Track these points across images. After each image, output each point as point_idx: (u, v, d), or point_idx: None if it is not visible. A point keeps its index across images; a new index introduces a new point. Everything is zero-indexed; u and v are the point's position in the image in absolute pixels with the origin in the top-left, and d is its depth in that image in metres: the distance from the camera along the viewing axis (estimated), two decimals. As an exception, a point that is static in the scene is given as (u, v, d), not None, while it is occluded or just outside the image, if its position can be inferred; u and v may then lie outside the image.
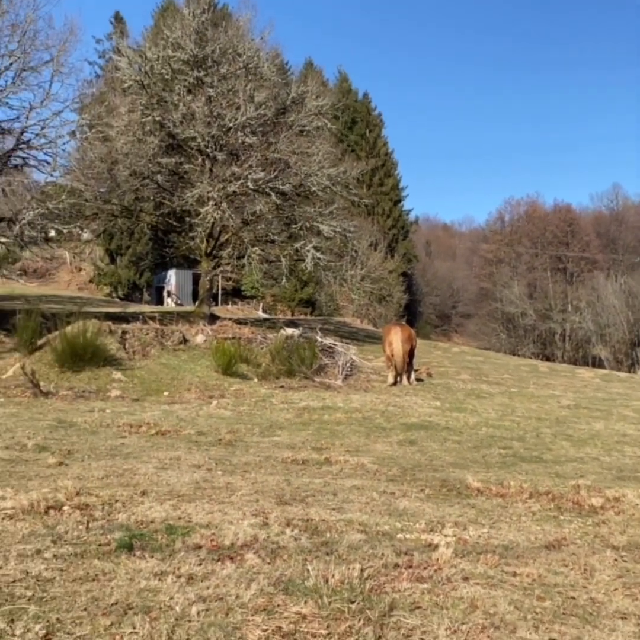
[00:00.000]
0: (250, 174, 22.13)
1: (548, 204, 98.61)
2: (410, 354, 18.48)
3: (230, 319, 25.84)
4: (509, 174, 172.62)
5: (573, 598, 4.33)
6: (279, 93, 24.85)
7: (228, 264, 26.20)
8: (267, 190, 22.76)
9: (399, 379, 18.22)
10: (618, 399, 19.08)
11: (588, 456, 10.24)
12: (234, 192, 22.62)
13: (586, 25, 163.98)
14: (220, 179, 22.63)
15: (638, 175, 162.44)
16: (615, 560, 5.15)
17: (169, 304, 47.98)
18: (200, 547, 4.82)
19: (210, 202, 22.22)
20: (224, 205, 22.23)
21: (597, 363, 67.90)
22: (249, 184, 22.17)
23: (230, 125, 22.70)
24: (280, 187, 22.97)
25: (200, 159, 23.95)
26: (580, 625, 3.88)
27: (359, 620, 3.68)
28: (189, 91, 23.55)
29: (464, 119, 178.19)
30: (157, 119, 22.87)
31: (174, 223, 26.70)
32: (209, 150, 23.03)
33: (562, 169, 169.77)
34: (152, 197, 25.70)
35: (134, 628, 3.48)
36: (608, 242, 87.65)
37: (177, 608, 3.74)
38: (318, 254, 23.80)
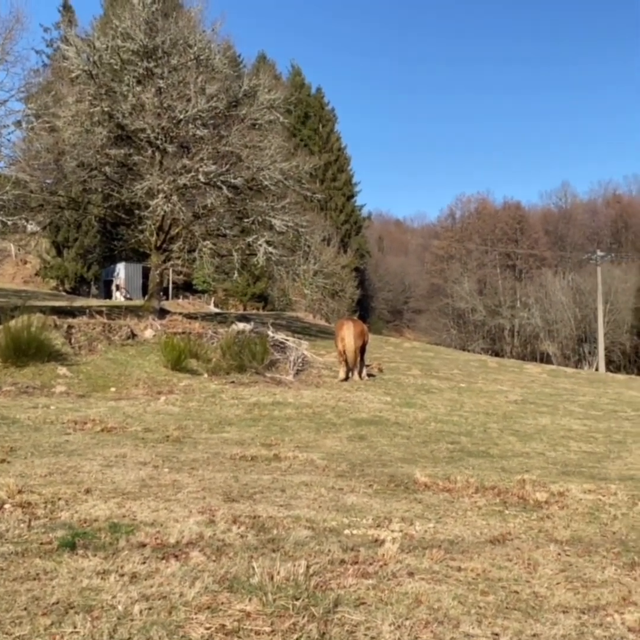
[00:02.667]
0: (201, 166, 21.91)
1: (498, 201, 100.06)
2: (362, 350, 18.55)
3: (180, 313, 25.59)
4: (461, 171, 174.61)
5: (516, 592, 4.38)
6: (230, 85, 24.63)
7: (179, 257, 25.94)
8: (218, 183, 22.56)
9: (350, 374, 18.27)
10: (564, 394, 19.43)
11: (534, 451, 10.40)
12: (185, 185, 22.37)
13: (545, 21, 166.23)
14: (171, 171, 22.37)
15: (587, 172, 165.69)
16: (559, 554, 5.23)
17: (118, 298, 47.38)
18: (144, 545, 4.78)
19: (160, 195, 21.95)
20: (174, 198, 21.99)
21: (545, 359, 69.13)
22: (200, 176, 21.96)
23: (181, 117, 22.43)
24: (232, 180, 22.80)
25: (150, 151, 23.63)
26: (523, 619, 3.93)
27: (303, 617, 3.67)
28: (139, 82, 23.20)
29: (416, 116, 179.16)
30: (106, 109, 22.48)
31: (123, 216, 26.30)
32: (159, 142, 22.74)
33: (512, 166, 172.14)
34: (100, 189, 25.29)
35: (75, 627, 3.43)
36: (556, 240, 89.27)
37: (120, 607, 3.70)
38: (270, 249, 23.70)
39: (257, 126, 25.24)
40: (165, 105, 22.51)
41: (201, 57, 23.65)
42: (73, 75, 23.24)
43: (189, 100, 22.54)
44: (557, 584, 4.59)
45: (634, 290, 72.26)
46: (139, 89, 22.82)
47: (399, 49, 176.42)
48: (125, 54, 23.06)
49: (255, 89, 24.93)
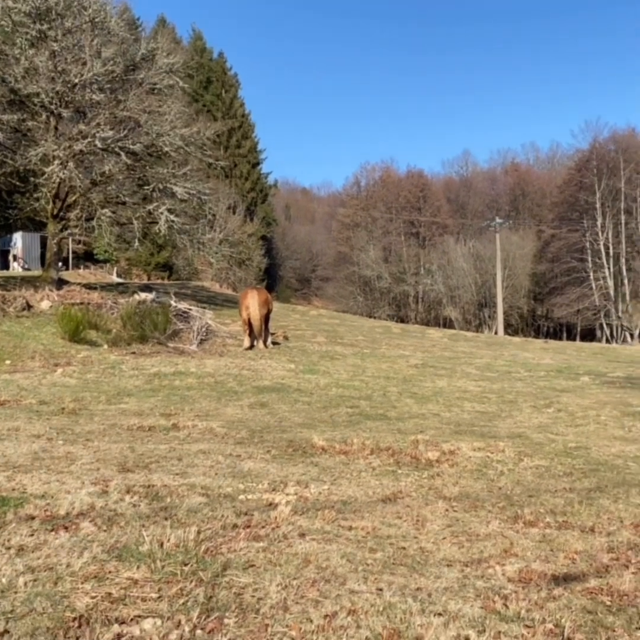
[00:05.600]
0: (98, 132, 21.30)
1: (402, 169, 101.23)
2: (266, 318, 18.57)
3: (80, 283, 24.97)
4: (366, 140, 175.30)
5: (403, 548, 4.52)
6: (128, 49, 23.97)
7: (76, 226, 25.20)
8: (116, 149, 21.99)
9: (255, 342, 18.29)
10: (463, 357, 20.00)
11: (430, 412, 10.69)
12: (81, 151, 21.71)
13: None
14: (66, 137, 21.68)
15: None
16: (446, 510, 5.42)
17: (16, 268, 45.79)
18: (33, 517, 4.70)
19: (56, 161, 21.24)
20: (71, 164, 21.31)
21: (447, 324, 71.01)
22: (97, 142, 21.34)
23: (76, 81, 21.70)
24: (131, 146, 22.27)
25: (44, 116, 22.79)
26: (408, 574, 4.06)
27: (191, 582, 3.71)
28: (32, 45, 22.30)
29: (321, 85, 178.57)
30: (-3, 72, 21.53)
31: (18, 183, 25.30)
32: (53, 107, 21.96)
33: (415, 134, 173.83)
34: (-8, 156, 24.25)
35: (-44, 603, 3.36)
36: (458, 208, 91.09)
37: (4, 580, 3.66)
38: (172, 217, 23.32)
39: (155, 91, 24.71)
40: (59, 69, 21.72)
41: (96, 20, 22.90)
42: (-40, 36, 22.12)
43: (84, 64, 21.83)
44: (443, 539, 4.75)
45: (530, 256, 74.83)
46: (31, 52, 21.96)
47: (303, 16, 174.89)
48: (16, 16, 22.08)
49: (153, 53, 24.35)
